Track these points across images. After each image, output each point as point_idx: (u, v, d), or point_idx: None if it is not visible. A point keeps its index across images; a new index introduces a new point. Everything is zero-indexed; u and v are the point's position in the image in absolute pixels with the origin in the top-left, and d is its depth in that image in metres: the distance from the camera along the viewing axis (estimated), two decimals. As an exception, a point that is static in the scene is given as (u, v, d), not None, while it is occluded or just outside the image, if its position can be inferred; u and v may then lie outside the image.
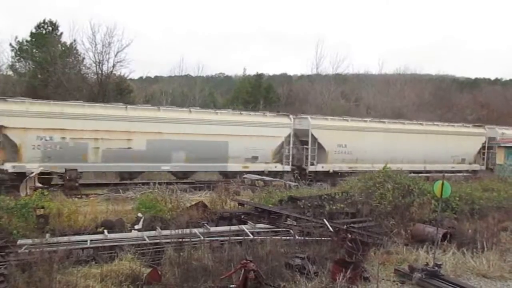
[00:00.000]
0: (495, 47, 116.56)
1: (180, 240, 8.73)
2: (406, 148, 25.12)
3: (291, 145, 22.91)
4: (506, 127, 31.33)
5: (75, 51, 38.58)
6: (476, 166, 28.06)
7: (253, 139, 21.78)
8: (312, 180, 21.97)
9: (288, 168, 22.85)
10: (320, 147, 23.21)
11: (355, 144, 24.02)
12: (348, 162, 23.89)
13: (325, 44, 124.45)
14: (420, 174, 20.27)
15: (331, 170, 23.36)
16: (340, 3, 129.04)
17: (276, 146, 22.51)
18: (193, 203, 13.07)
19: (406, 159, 24.51)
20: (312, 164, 23.10)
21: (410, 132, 26.06)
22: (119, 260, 8.20)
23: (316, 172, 23.08)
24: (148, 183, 16.68)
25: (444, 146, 26.67)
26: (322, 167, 23.26)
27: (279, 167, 22.50)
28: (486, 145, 28.97)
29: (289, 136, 22.80)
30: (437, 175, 18.02)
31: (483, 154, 29.02)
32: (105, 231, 10.09)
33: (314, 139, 23.14)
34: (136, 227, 10.82)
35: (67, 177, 17.13)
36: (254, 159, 21.84)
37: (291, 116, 23.63)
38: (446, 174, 13.02)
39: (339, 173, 23.41)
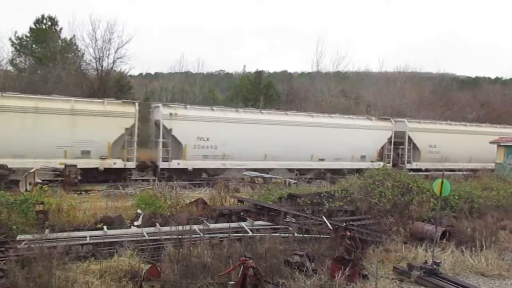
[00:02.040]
0: (495, 46, 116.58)
1: (180, 236, 8.72)
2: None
3: None
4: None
5: (75, 47, 38.56)
6: None
7: None
8: None
9: None
10: None
11: None
12: None
13: (325, 42, 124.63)
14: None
15: None
16: (340, 1, 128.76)
17: None
18: (192, 200, 13.09)
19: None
20: None
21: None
22: (118, 256, 8.21)
23: None
24: (147, 180, 16.64)
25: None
26: None
27: None
28: None
29: None
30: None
31: None
32: (105, 227, 10.09)
33: None
34: (135, 223, 10.81)
35: (67, 173, 17.17)
36: None
37: None
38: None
39: None
